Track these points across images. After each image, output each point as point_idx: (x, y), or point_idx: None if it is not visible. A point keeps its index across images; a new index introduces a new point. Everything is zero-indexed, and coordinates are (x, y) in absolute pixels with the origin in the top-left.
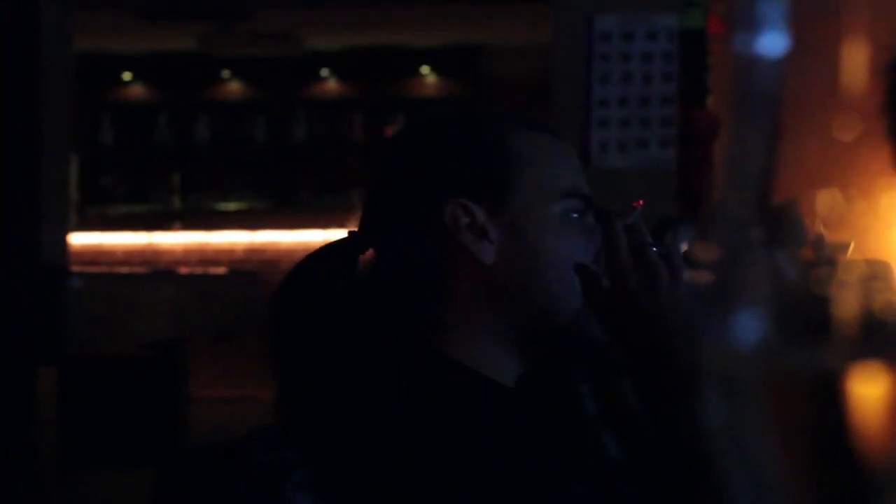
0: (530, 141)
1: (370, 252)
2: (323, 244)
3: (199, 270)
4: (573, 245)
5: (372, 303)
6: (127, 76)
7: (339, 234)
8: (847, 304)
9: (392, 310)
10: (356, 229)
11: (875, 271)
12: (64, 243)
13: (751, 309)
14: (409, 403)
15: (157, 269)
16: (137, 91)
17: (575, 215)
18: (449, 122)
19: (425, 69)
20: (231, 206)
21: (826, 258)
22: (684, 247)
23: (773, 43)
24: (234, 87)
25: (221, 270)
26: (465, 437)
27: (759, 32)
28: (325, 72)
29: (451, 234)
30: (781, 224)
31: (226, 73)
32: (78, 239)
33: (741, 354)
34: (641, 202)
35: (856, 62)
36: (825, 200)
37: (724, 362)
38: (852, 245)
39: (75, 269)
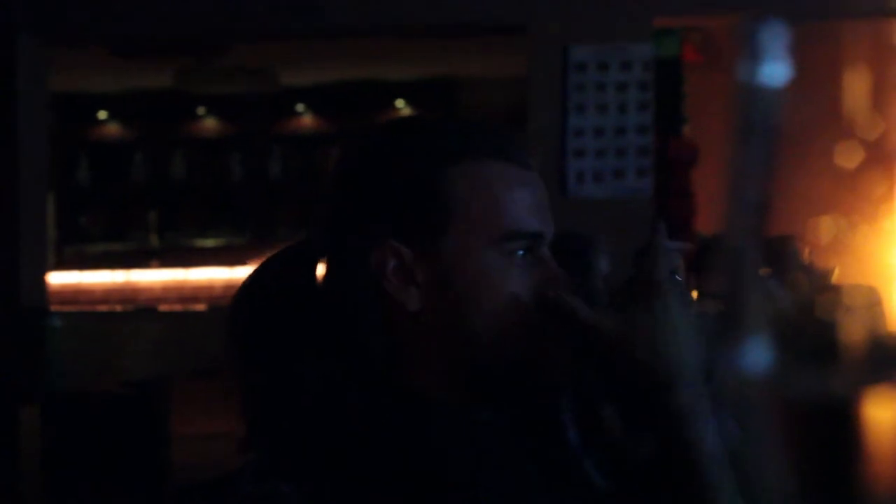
0: (470, 175)
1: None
2: (279, 251)
3: (178, 308)
4: (512, 288)
5: (326, 326)
6: (102, 115)
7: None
8: (852, 329)
9: (343, 338)
10: (311, 237)
11: (870, 297)
12: (43, 282)
13: (757, 335)
14: (373, 432)
15: (138, 306)
16: (113, 129)
17: (521, 252)
18: (381, 156)
19: (400, 102)
20: (208, 242)
21: (819, 285)
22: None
23: (775, 72)
24: (210, 124)
25: (201, 307)
26: (443, 465)
27: (762, 62)
28: (300, 107)
29: (377, 277)
30: (777, 256)
31: (201, 110)
32: (56, 278)
33: (751, 379)
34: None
35: (857, 90)
36: (827, 226)
37: (735, 387)
38: (837, 270)
39: (54, 308)
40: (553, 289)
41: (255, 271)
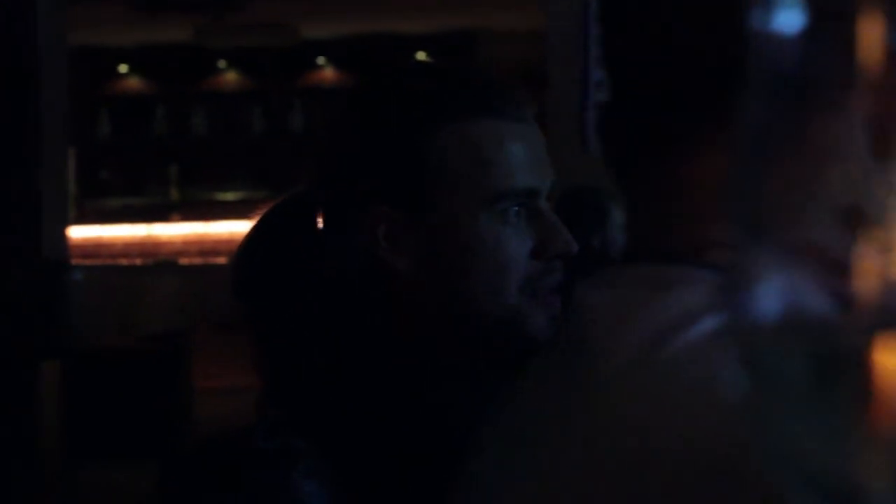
0: (458, 136)
1: None
2: (278, 203)
3: (199, 261)
4: (506, 249)
5: (325, 284)
6: (123, 69)
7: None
8: (868, 275)
9: (341, 298)
10: (310, 188)
11: (883, 242)
12: (64, 237)
13: (771, 283)
14: (377, 389)
15: (159, 260)
16: (133, 83)
17: (515, 209)
18: (370, 117)
19: (421, 55)
20: (229, 196)
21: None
22: None
23: (789, 20)
24: (230, 78)
25: (222, 261)
26: (455, 419)
27: (775, 9)
28: (321, 60)
29: (368, 240)
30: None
31: (221, 64)
32: (77, 232)
33: (761, 327)
34: None
35: (872, 37)
36: (845, 177)
37: (746, 337)
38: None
39: (75, 262)
40: (552, 242)
41: (256, 225)
